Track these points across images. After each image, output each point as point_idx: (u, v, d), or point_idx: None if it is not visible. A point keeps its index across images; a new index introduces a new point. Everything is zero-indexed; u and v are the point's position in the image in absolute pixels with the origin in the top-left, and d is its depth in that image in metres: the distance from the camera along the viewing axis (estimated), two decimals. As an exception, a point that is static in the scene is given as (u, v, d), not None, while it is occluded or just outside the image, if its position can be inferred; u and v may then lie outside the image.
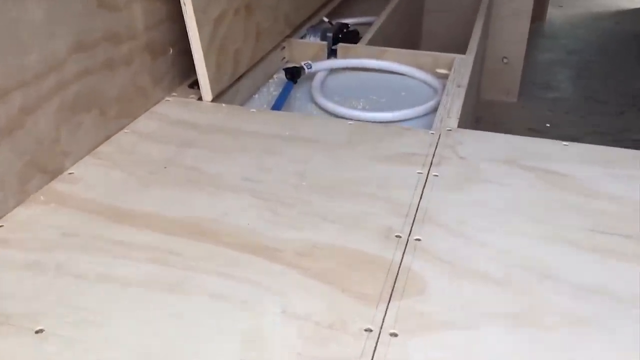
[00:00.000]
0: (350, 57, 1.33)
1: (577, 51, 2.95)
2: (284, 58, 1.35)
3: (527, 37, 2.25)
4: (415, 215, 0.71)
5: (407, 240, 0.67)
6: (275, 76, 1.29)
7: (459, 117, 1.00)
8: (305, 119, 0.97)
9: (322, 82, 1.24)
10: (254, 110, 0.98)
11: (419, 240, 0.67)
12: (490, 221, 0.71)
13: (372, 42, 1.40)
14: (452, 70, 1.21)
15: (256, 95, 1.20)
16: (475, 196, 0.76)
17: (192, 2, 0.94)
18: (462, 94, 1.10)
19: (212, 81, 1.00)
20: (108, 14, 0.85)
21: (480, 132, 0.93)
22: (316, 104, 1.17)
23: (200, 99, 1.02)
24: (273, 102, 1.15)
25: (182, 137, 0.89)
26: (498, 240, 0.68)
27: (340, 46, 1.34)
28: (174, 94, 1.04)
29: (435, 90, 1.22)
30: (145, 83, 0.96)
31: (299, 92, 1.23)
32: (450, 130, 0.93)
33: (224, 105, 1.00)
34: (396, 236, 0.68)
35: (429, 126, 1.09)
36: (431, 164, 0.83)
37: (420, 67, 1.30)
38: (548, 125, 2.17)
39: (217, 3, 1.02)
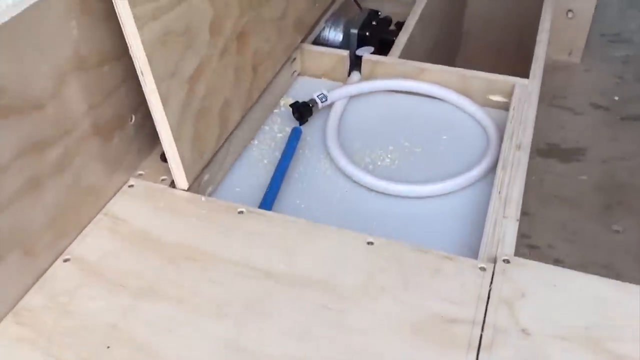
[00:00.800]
0: (377, 77, 1.04)
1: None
2: (295, 72, 1.07)
3: (599, -16, 1.86)
4: None
5: None
6: (282, 102, 1.02)
7: (518, 217, 0.74)
8: (307, 232, 0.71)
9: (340, 119, 0.97)
10: (242, 210, 0.73)
11: None
12: None
13: (408, 47, 1.10)
14: (511, 109, 0.92)
15: (256, 141, 0.94)
16: None
17: (150, 68, 0.67)
18: (523, 163, 0.82)
19: (188, 165, 0.75)
20: (22, 121, 0.59)
21: (549, 270, 0.67)
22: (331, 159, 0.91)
23: (174, 183, 0.77)
24: (279, 156, 0.90)
25: (140, 274, 0.65)
26: None
27: (366, 60, 1.05)
28: (141, 171, 0.79)
29: (486, 133, 0.94)
30: (95, 178, 0.71)
31: (310, 133, 0.96)
32: (507, 261, 0.67)
33: (203, 199, 0.75)
34: None
35: (476, 196, 0.83)
36: (479, 346, 0.59)
37: (468, 92, 1.01)
38: (616, 98, 1.85)
39: (195, 52, 0.74)
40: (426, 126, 0.97)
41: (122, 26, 0.64)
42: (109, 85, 0.70)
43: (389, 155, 0.92)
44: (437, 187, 0.84)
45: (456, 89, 1.01)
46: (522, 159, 0.83)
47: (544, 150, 1.64)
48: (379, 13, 1.22)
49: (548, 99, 1.84)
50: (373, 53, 1.12)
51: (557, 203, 1.49)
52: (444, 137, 0.95)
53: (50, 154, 0.63)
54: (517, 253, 0.73)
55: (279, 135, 0.96)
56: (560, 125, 1.74)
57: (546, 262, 1.37)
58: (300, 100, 0.97)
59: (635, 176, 1.55)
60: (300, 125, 0.95)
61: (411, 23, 1.13)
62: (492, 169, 0.86)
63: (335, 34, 1.18)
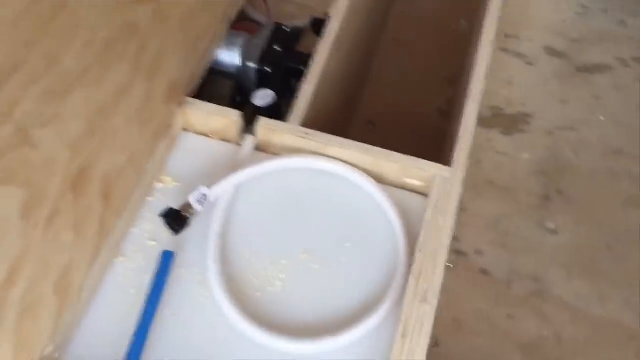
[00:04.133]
0: (271, 156, 0.85)
1: None
2: (173, 140, 0.87)
3: None
4: None
5: None
6: (159, 186, 0.84)
7: None
8: None
9: (223, 225, 0.80)
10: None
11: None
12: None
13: (313, 106, 0.89)
14: (424, 226, 0.77)
15: (121, 258, 0.78)
16: None
17: None
18: (427, 327, 0.70)
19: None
20: None
21: None
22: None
23: None
24: (149, 281, 0.75)
25: None
26: None
27: (260, 127, 0.85)
28: None
29: (395, 242, 0.80)
30: None
31: (188, 239, 0.80)
32: None
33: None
34: None
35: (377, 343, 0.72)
36: None
37: (381, 173, 0.84)
38: (575, 37, 1.64)
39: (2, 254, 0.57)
40: (329, 222, 0.82)
41: None
42: None
43: (280, 275, 0.78)
44: (324, 345, 0.72)
45: (368, 168, 0.84)
46: (426, 318, 0.71)
47: (487, 119, 1.49)
48: (285, 27, 0.99)
49: (500, 39, 1.63)
50: (278, 95, 0.92)
51: (492, 192, 1.38)
52: (347, 244, 0.81)
53: None
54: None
55: (152, 243, 0.80)
56: (508, 79, 1.56)
57: (473, 273, 1.32)
58: (174, 206, 0.78)
59: (579, 155, 1.43)
60: (177, 233, 0.79)
61: (313, 79, 0.90)
62: (398, 305, 0.74)
63: (231, 58, 0.96)
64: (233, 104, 0.99)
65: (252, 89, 0.96)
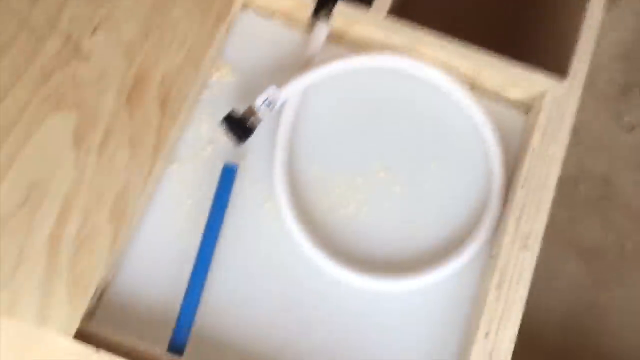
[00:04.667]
0: (347, 51, 0.71)
1: None
2: (230, 25, 0.72)
3: None
4: None
5: None
6: (215, 76, 0.71)
7: None
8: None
9: (290, 135, 0.69)
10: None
11: None
12: None
13: None
14: (526, 161, 0.65)
15: (175, 165, 0.68)
16: None
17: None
18: (526, 276, 0.61)
19: (67, 320, 0.54)
20: None
21: None
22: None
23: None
24: (207, 191, 0.66)
25: None
26: None
27: (337, 14, 0.70)
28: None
29: (489, 168, 0.69)
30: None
31: (251, 148, 0.69)
32: None
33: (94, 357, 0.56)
34: None
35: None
36: None
37: (477, 82, 0.71)
38: None
39: (53, 195, 0.47)
40: (412, 136, 0.71)
41: None
42: None
43: (355, 196, 0.69)
44: (397, 283, 0.64)
45: (463, 74, 0.71)
46: (526, 267, 0.62)
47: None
48: None
49: None
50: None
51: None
52: (432, 164, 0.70)
53: None
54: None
55: (208, 148, 0.69)
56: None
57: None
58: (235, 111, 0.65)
59: (668, 41, 1.26)
60: (241, 143, 0.68)
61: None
62: (487, 244, 0.66)
63: None
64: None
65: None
